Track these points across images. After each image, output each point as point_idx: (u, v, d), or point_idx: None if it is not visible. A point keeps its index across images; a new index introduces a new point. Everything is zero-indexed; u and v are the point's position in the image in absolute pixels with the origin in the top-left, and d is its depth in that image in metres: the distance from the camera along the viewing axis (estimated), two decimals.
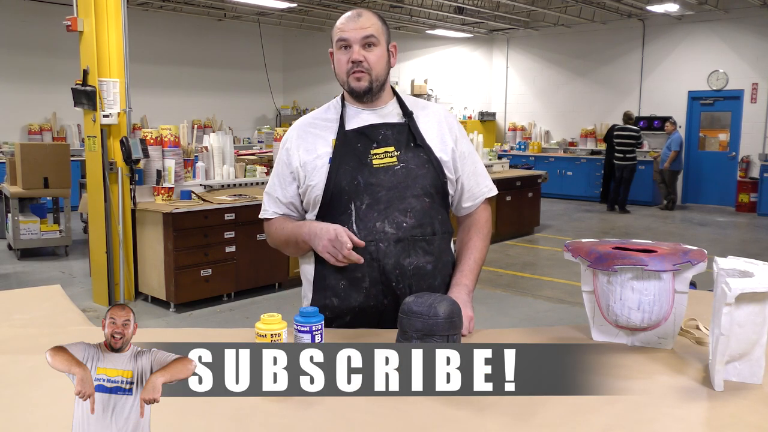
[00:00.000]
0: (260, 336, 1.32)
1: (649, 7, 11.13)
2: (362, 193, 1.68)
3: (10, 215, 7.05)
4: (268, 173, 6.69)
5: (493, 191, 1.91)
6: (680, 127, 11.82)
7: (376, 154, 1.71)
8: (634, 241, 1.60)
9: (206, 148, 6.18)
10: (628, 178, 11.31)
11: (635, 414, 1.22)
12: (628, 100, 12.81)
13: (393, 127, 1.75)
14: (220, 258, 5.46)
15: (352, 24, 1.68)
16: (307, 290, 1.83)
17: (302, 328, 1.36)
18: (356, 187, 1.69)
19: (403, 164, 1.71)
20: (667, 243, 1.57)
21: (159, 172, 5.55)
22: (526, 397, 1.28)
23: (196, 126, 9.67)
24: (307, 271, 1.82)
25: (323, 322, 1.39)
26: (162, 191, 5.43)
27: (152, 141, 5.56)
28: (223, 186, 6.11)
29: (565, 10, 12.14)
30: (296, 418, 1.20)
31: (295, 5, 11.13)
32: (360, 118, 1.76)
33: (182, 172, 5.74)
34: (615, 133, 11.31)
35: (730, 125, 11.82)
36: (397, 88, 1.85)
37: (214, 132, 7.11)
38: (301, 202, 1.80)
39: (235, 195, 5.86)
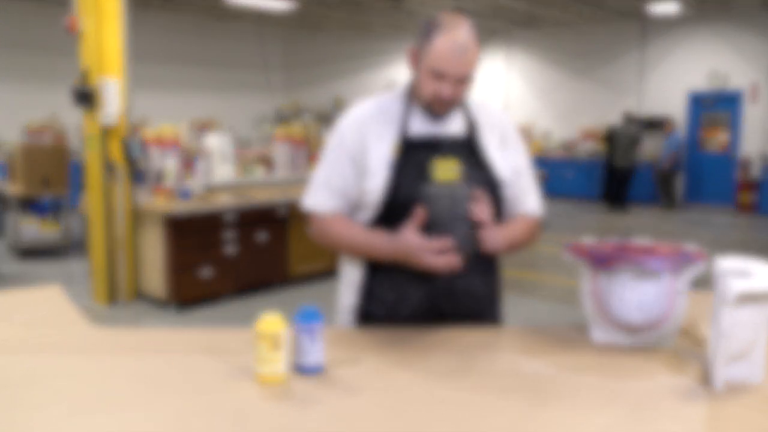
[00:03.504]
0: (260, 336, 1.32)
1: (649, 7, 11.13)
2: (420, 208, 1.61)
3: (10, 215, 7.05)
4: (268, 173, 6.70)
5: (537, 211, 1.80)
6: (680, 127, 11.82)
7: (438, 167, 1.63)
8: (634, 241, 1.60)
9: (206, 148, 6.18)
10: (628, 178, 11.31)
11: (635, 414, 1.22)
12: (628, 100, 12.81)
13: (457, 140, 1.67)
14: (220, 258, 5.46)
15: (456, 60, 1.56)
16: (347, 293, 1.77)
17: (302, 328, 1.36)
18: (414, 201, 1.61)
19: (465, 182, 1.64)
20: (667, 243, 1.57)
21: (159, 172, 5.55)
22: (526, 398, 1.28)
23: (196, 126, 9.66)
24: (352, 275, 1.75)
25: (323, 322, 1.39)
26: (162, 191, 5.43)
27: (152, 141, 5.56)
28: (223, 186, 6.11)
29: (566, 10, 12.14)
30: (296, 418, 1.20)
31: (295, 5, 11.13)
32: (425, 120, 1.68)
33: (182, 172, 5.74)
34: (614, 132, 11.32)
35: (730, 125, 11.82)
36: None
37: (214, 132, 7.11)
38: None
39: (235, 195, 5.87)
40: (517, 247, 1.74)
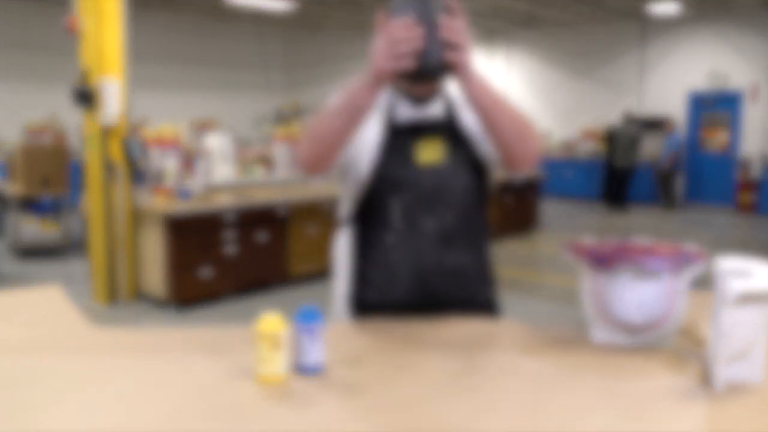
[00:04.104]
0: (260, 336, 1.32)
1: (649, 7, 11.13)
2: (406, 189, 1.68)
3: (10, 215, 7.05)
4: (268, 173, 6.70)
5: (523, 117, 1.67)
6: (680, 127, 11.82)
7: (423, 148, 1.69)
8: (634, 241, 1.60)
9: (206, 148, 6.18)
10: (628, 178, 11.31)
11: (635, 414, 1.22)
12: (628, 100, 12.81)
13: (438, 121, 1.73)
14: (220, 258, 5.46)
15: None
16: (339, 283, 1.81)
17: (302, 328, 1.36)
18: (400, 183, 1.68)
19: (449, 162, 1.69)
20: (667, 243, 1.57)
21: (159, 172, 5.55)
22: (526, 398, 1.28)
23: (196, 126, 9.66)
24: (343, 262, 1.79)
25: (323, 322, 1.39)
26: (162, 191, 5.43)
27: (152, 141, 5.56)
28: (223, 186, 6.11)
29: (566, 10, 12.14)
30: (296, 418, 1.20)
31: (295, 5, 11.12)
32: (409, 106, 1.73)
33: (182, 172, 5.74)
34: (614, 133, 11.32)
35: (730, 125, 11.82)
36: None
37: (214, 132, 7.11)
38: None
39: (235, 195, 5.86)
40: (497, 107, 1.56)
